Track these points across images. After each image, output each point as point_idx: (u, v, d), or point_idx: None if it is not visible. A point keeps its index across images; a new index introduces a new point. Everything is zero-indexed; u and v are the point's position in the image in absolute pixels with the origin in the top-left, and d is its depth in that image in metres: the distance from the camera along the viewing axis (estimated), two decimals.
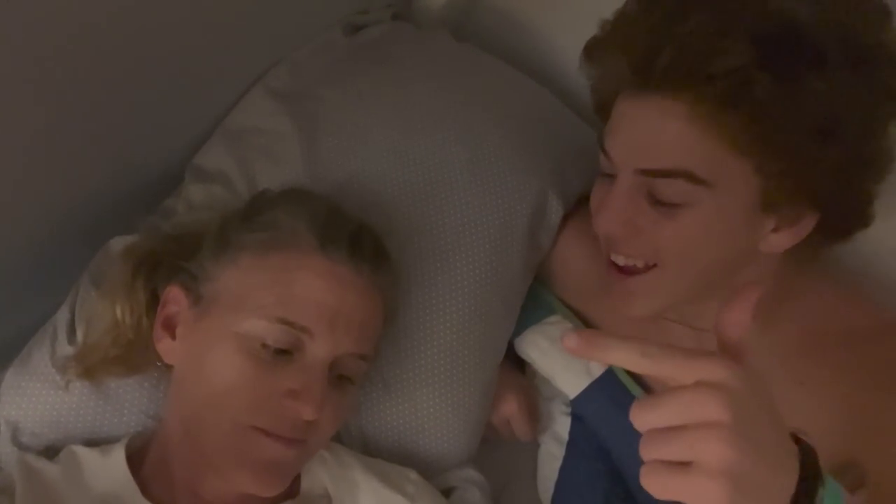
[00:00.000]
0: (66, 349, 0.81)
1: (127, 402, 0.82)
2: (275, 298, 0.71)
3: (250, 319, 0.71)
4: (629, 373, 0.89)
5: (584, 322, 0.94)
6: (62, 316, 0.84)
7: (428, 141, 0.92)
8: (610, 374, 0.90)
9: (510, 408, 0.92)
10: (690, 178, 0.69)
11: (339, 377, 0.74)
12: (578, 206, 0.97)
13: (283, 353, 0.71)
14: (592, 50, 0.78)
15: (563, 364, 0.91)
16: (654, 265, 0.75)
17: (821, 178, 0.69)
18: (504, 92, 1.01)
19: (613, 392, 0.89)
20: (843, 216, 0.74)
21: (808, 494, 0.49)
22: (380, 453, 0.86)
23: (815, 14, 0.67)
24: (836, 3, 0.68)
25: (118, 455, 0.76)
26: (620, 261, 0.77)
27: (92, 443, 0.79)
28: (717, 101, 0.66)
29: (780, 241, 0.73)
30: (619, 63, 0.72)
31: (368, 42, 1.05)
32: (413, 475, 0.82)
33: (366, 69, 0.99)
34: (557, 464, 0.91)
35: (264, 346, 0.71)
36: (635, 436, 0.82)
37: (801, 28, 0.66)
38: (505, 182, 0.91)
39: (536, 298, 0.95)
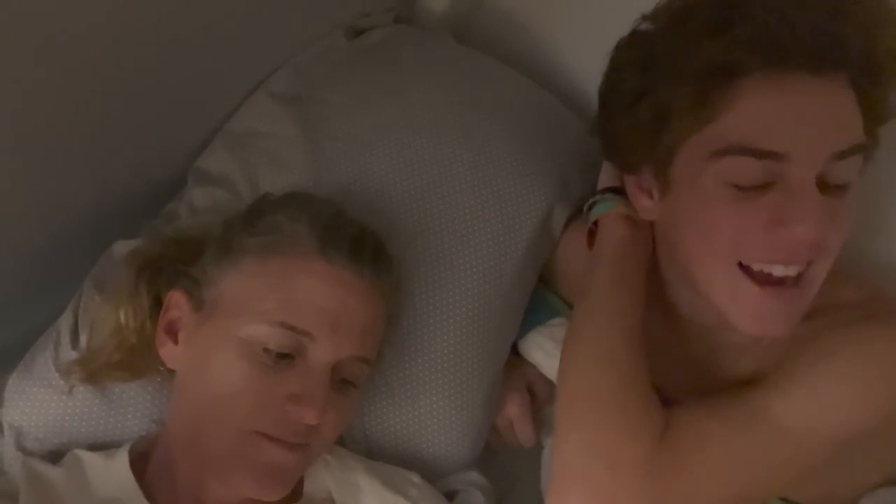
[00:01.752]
0: (69, 354, 0.81)
1: (130, 407, 0.82)
2: (276, 303, 0.71)
3: (252, 324, 0.71)
4: None
5: None
6: (66, 321, 0.84)
7: (431, 144, 0.92)
8: None
9: (512, 409, 0.91)
10: (865, 150, 0.71)
11: (341, 381, 0.74)
12: (581, 211, 0.96)
13: (285, 358, 0.71)
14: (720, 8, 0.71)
15: None
16: (812, 262, 0.72)
17: None
18: (508, 96, 1.00)
19: None
20: None
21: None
22: (383, 456, 0.86)
23: None
24: None
25: (122, 459, 0.76)
26: (792, 271, 0.71)
27: (96, 447, 0.79)
28: (880, 83, 0.71)
29: None
30: (786, 32, 0.67)
31: (372, 45, 1.04)
32: (416, 478, 0.82)
33: (369, 72, 0.99)
34: None
35: (266, 350, 0.71)
36: None
37: None
38: (508, 186, 0.91)
39: (540, 300, 0.95)
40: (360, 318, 0.74)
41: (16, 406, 0.81)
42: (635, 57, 0.76)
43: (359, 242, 0.76)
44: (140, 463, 0.77)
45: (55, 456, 0.79)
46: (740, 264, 0.71)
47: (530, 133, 0.96)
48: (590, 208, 0.85)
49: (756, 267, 0.71)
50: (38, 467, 0.77)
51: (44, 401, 0.81)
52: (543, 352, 0.92)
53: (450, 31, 1.12)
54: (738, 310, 0.73)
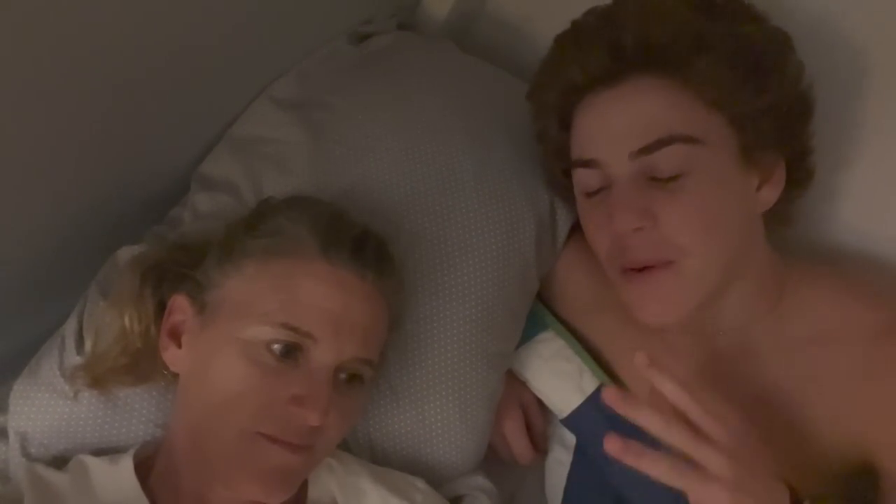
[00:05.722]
0: (74, 359, 0.82)
1: (135, 412, 0.82)
2: (278, 304, 0.71)
3: (254, 325, 0.71)
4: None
5: (581, 339, 0.93)
6: (70, 326, 0.84)
7: (434, 149, 0.92)
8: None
9: (508, 426, 0.91)
10: (685, 139, 0.74)
11: (348, 377, 0.74)
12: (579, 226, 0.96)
13: (288, 359, 0.71)
14: (548, 70, 0.84)
15: (554, 383, 0.90)
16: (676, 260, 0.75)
17: (773, 115, 0.77)
18: (510, 102, 1.00)
19: (608, 409, 0.88)
20: (799, 161, 0.82)
21: None
22: (388, 462, 0.86)
23: None
24: None
25: (126, 464, 0.76)
26: (641, 262, 0.76)
27: (100, 452, 0.79)
28: (686, 66, 0.74)
29: (767, 195, 0.80)
30: (575, 69, 0.78)
31: (375, 51, 1.05)
32: (421, 484, 0.82)
33: (373, 78, 0.99)
34: (565, 470, 0.90)
35: (269, 351, 0.71)
36: None
37: None
38: (511, 191, 0.91)
39: (530, 314, 0.94)
40: (362, 319, 0.74)
41: (21, 411, 0.81)
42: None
43: (361, 243, 0.76)
44: (144, 468, 0.77)
45: (60, 461, 0.79)
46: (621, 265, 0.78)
47: (532, 138, 0.96)
48: None
49: (627, 265, 0.78)
50: (42, 473, 0.76)
51: (49, 406, 0.81)
52: (530, 369, 0.92)
53: (450, 38, 1.12)
54: (629, 304, 0.79)
